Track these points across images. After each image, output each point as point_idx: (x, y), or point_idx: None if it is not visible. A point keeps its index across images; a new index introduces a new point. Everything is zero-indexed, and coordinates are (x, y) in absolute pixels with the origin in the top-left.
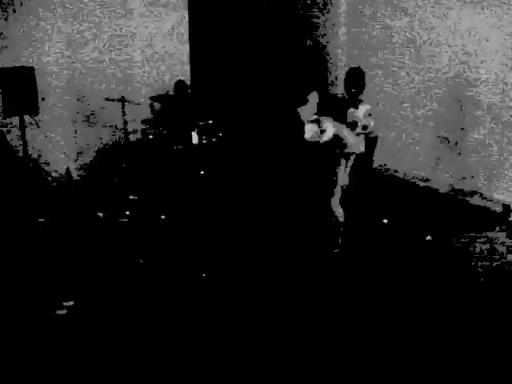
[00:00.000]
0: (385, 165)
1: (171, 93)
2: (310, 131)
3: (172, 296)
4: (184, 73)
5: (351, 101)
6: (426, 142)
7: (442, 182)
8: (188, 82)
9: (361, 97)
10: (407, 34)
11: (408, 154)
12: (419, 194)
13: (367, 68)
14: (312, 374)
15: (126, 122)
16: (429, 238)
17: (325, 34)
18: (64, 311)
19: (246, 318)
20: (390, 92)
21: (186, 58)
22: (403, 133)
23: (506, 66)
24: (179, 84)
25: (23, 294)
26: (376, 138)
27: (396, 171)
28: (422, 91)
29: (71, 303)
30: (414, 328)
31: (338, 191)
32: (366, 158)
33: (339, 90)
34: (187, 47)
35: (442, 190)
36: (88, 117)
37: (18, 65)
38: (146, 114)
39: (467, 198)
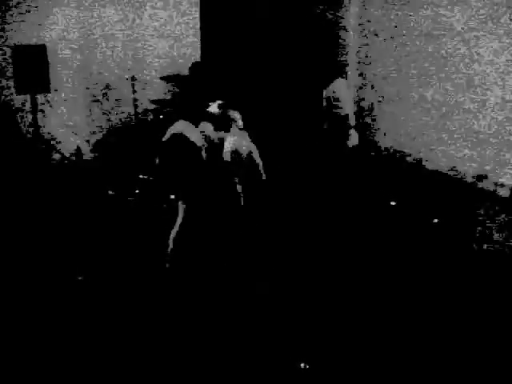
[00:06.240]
0: (391, 147)
1: (183, 74)
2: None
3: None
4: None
5: None
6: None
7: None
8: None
9: None
10: None
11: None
12: (427, 178)
13: None
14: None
15: (136, 101)
16: (435, 220)
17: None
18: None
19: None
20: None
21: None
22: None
23: None
24: (196, 66)
25: (38, 268)
26: None
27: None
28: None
29: (80, 278)
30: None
31: None
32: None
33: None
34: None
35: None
36: (99, 96)
37: (30, 42)
38: (157, 94)
39: (475, 182)
